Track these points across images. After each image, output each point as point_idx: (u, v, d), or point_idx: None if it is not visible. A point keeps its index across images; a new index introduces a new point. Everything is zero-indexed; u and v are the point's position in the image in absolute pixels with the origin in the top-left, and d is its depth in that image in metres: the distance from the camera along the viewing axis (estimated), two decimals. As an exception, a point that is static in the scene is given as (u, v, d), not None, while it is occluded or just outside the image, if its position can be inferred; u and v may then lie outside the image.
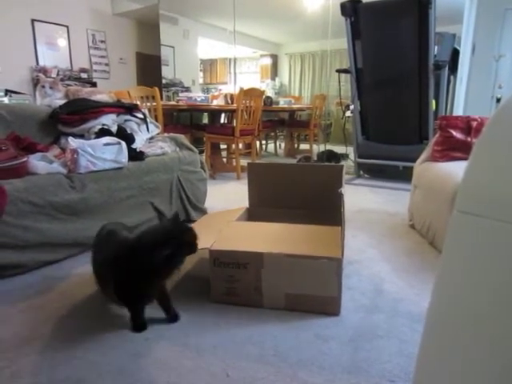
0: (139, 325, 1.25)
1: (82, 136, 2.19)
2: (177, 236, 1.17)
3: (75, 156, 1.86)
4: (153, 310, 1.28)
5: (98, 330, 1.25)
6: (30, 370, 1.06)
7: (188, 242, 1.20)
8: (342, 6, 3.62)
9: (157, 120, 3.40)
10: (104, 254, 1.24)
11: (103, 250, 1.26)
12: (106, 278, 1.23)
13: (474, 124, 2.23)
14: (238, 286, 1.39)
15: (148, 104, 3.64)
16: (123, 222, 1.91)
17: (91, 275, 1.32)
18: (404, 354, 1.14)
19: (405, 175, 3.41)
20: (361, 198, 3.21)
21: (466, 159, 0.60)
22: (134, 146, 2.26)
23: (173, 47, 7.16)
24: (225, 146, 4.76)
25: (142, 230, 1.23)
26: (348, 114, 4.51)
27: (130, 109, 2.50)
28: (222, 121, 5.18)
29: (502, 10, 3.95)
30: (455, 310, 0.60)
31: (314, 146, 5.68)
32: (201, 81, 8.90)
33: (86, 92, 2.57)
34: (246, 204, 2.15)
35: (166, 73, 7.04)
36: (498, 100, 4.13)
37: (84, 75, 6.26)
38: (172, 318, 1.30)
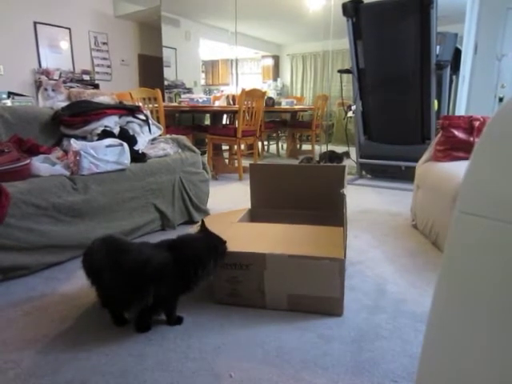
0: (144, 326, 1.26)
1: (84, 138, 2.20)
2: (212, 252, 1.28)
3: (78, 158, 1.86)
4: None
5: (101, 332, 1.25)
6: (34, 372, 1.06)
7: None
8: (344, 6, 3.62)
9: (159, 121, 3.40)
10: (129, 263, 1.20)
11: (119, 260, 1.20)
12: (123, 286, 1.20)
13: (477, 124, 2.23)
14: (240, 286, 1.39)
15: (150, 105, 3.65)
16: (122, 224, 1.91)
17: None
18: (407, 355, 1.14)
19: (407, 175, 3.40)
20: (363, 198, 3.20)
21: (468, 159, 0.60)
22: (136, 147, 2.26)
23: (175, 49, 7.18)
24: (227, 147, 4.77)
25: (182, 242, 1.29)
26: (350, 114, 4.50)
27: (132, 110, 2.50)
28: (223, 122, 5.19)
29: (505, 10, 3.94)
30: (457, 310, 0.60)
31: (316, 147, 5.68)
32: (203, 82, 8.91)
33: (88, 94, 2.58)
34: (248, 205, 2.15)
35: (168, 74, 7.05)
36: (501, 99, 4.12)
37: (86, 77, 6.28)
38: (175, 322, 1.30)
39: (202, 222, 1.38)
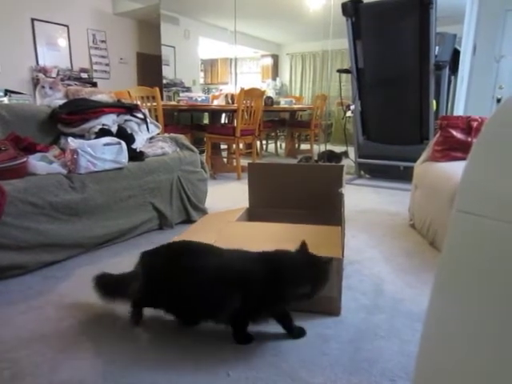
0: (244, 338, 1.20)
1: (82, 136, 2.19)
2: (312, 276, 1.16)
3: (75, 156, 1.86)
4: (156, 313, 1.28)
5: (98, 331, 1.25)
6: (31, 371, 1.06)
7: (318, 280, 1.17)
8: (343, 6, 3.62)
9: (157, 120, 3.40)
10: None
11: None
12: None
13: (475, 124, 2.23)
14: (238, 286, 1.39)
15: (148, 104, 3.65)
16: (120, 223, 1.89)
17: (92, 276, 1.29)
18: (405, 354, 1.14)
19: (405, 175, 3.41)
20: (361, 198, 3.21)
21: (466, 159, 0.60)
22: (134, 146, 2.26)
23: (173, 47, 7.17)
24: (225, 146, 4.76)
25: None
26: (349, 114, 4.51)
27: (131, 109, 2.50)
28: (222, 121, 5.18)
29: (503, 11, 3.95)
30: (454, 310, 0.60)
31: (315, 147, 5.68)
32: (201, 81, 8.90)
33: (86, 92, 2.57)
34: (246, 204, 2.15)
35: (167, 73, 7.04)
36: (499, 100, 4.13)
37: (84, 75, 6.26)
38: (295, 334, 1.23)
39: (304, 243, 1.23)
